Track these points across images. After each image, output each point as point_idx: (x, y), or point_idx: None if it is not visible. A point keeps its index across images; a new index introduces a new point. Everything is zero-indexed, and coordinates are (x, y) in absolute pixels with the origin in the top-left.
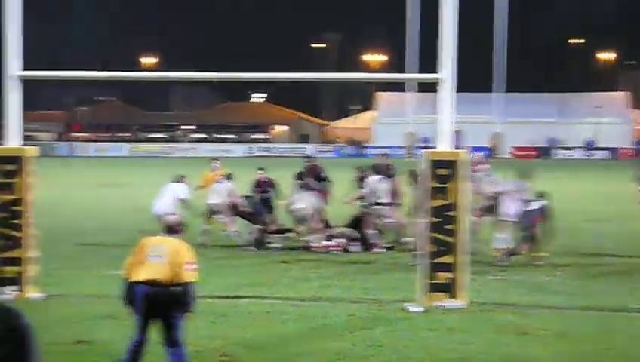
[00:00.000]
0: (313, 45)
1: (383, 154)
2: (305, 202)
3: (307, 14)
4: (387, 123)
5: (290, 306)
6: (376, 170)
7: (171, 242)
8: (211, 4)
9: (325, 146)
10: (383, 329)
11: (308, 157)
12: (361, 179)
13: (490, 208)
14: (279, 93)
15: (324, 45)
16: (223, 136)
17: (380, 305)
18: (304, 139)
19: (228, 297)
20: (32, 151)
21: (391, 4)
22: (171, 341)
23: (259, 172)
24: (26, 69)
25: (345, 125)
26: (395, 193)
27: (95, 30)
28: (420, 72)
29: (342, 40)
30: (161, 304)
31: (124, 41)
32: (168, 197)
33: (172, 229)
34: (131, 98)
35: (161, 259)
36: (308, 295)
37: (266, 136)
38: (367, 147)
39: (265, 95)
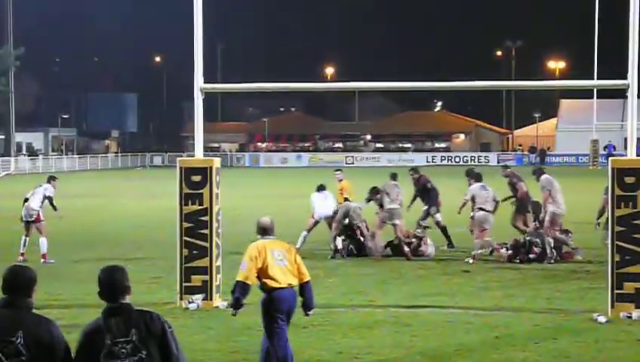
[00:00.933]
0: (495, 52)
1: (504, 166)
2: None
3: (487, 22)
4: (569, 130)
5: (473, 316)
6: (474, 177)
7: (281, 244)
8: (387, 14)
9: (507, 154)
10: (568, 339)
11: (413, 169)
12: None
13: None
14: (458, 102)
15: (502, 52)
16: (403, 145)
17: (565, 315)
18: (485, 147)
19: (411, 307)
20: (217, 162)
21: (571, 10)
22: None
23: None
24: (209, 81)
25: (527, 133)
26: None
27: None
28: (598, 78)
29: (522, 47)
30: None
31: (304, 51)
32: (329, 202)
33: (271, 231)
34: (312, 108)
35: (284, 263)
36: (490, 304)
37: (447, 145)
38: (549, 155)
39: (441, 103)
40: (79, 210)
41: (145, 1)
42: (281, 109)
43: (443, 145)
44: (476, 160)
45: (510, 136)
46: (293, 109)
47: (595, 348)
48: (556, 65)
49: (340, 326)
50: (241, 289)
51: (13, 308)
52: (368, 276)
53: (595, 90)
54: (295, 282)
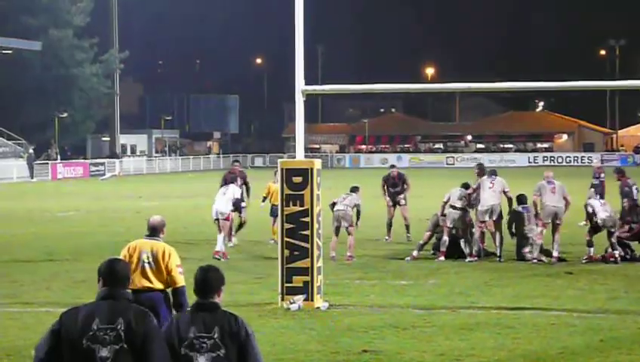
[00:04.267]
0: (598, 51)
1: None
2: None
3: (591, 21)
4: None
5: (576, 318)
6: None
7: (158, 246)
8: (488, 12)
9: (610, 155)
10: None
11: (393, 165)
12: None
13: None
14: (560, 101)
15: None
16: (504, 145)
17: None
18: (588, 147)
19: (513, 308)
20: (318, 163)
21: None
22: None
23: (390, 169)
24: (310, 83)
25: (632, 133)
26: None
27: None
28: None
29: (625, 45)
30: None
31: (404, 52)
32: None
33: (157, 231)
34: (412, 109)
35: (151, 265)
36: (594, 307)
37: (549, 145)
38: None
39: (542, 103)
40: (182, 210)
41: (246, 3)
42: (382, 110)
43: (545, 145)
44: (579, 160)
45: (614, 136)
46: (393, 110)
47: None
48: None
49: (442, 327)
50: None
51: (113, 299)
52: (469, 278)
53: None
54: (160, 286)
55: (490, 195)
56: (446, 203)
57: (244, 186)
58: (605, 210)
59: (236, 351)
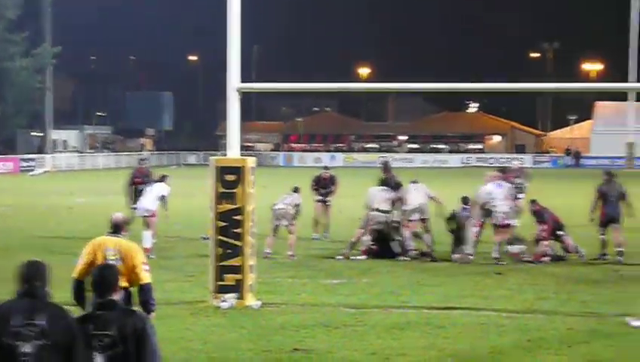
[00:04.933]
0: (531, 54)
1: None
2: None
3: (523, 24)
4: (605, 133)
5: (505, 318)
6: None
7: (123, 244)
8: (423, 13)
9: (542, 156)
10: (602, 343)
11: (326, 167)
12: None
13: None
14: (494, 103)
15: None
16: (438, 146)
17: (598, 319)
18: (520, 149)
19: (443, 308)
20: (252, 161)
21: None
22: None
23: (324, 170)
24: (244, 81)
25: (562, 135)
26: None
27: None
28: (634, 80)
29: (558, 48)
30: None
31: (339, 52)
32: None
33: (120, 228)
34: (347, 108)
35: (118, 263)
36: (523, 307)
37: (482, 146)
38: (584, 157)
39: (477, 105)
40: (115, 207)
41: (181, 0)
42: (316, 109)
43: (478, 146)
44: (511, 162)
45: (545, 138)
46: (327, 109)
47: (628, 352)
48: (592, 67)
49: (373, 327)
50: (74, 287)
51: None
52: (401, 277)
53: (632, 93)
54: (124, 284)
55: (416, 196)
56: (369, 206)
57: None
58: (506, 204)
59: (135, 348)
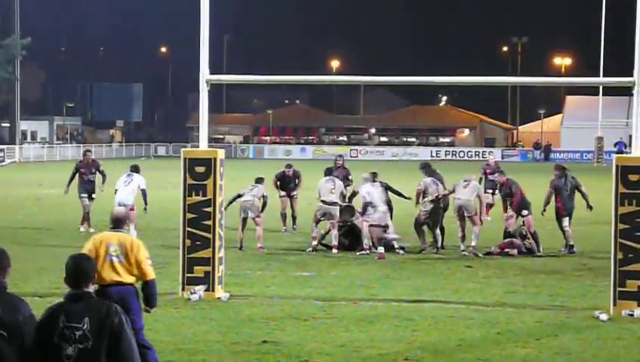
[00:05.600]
0: (500, 48)
1: None
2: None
3: (493, 17)
4: (574, 127)
5: (475, 311)
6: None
7: (124, 238)
8: (393, 7)
9: (511, 150)
10: (570, 336)
11: (288, 165)
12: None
13: None
14: (463, 97)
15: (508, 48)
16: (407, 139)
17: (567, 312)
18: (489, 142)
19: (412, 301)
20: (221, 153)
21: (578, 6)
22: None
23: (286, 168)
24: (215, 73)
25: (531, 129)
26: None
27: (282, 32)
28: (604, 75)
29: (527, 43)
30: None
31: (310, 44)
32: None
33: (121, 223)
34: (317, 101)
35: (120, 259)
36: (492, 300)
37: (451, 140)
38: (553, 151)
39: (446, 98)
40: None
41: None
42: (286, 102)
43: (447, 139)
44: (480, 155)
45: (515, 131)
46: (298, 102)
47: (596, 345)
48: (562, 61)
49: (342, 319)
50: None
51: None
52: (370, 270)
53: (600, 87)
54: (129, 279)
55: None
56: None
57: (98, 174)
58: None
59: (107, 342)
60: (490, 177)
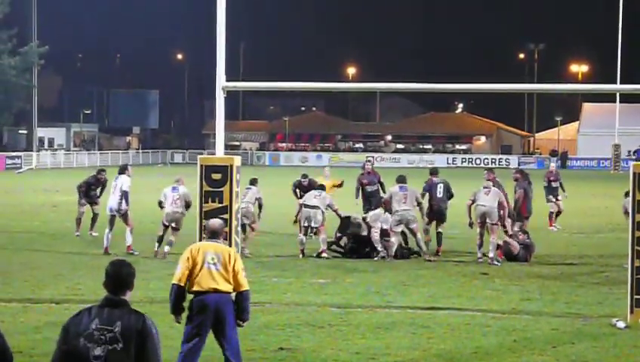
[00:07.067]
0: (517, 55)
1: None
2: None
3: (510, 24)
4: (591, 134)
5: (491, 319)
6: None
7: (221, 248)
8: (410, 14)
9: (528, 157)
10: (587, 344)
11: (304, 175)
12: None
13: None
14: (479, 104)
15: (525, 55)
16: (424, 146)
17: (584, 320)
18: (506, 150)
19: (428, 308)
20: (237, 160)
21: (595, 13)
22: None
23: (302, 178)
24: (231, 79)
25: (548, 136)
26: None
27: (298, 39)
28: (621, 82)
29: (544, 49)
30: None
31: (326, 51)
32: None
33: (218, 234)
34: (333, 108)
35: (217, 267)
36: (509, 307)
37: (467, 147)
38: (570, 158)
39: (462, 105)
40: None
41: None
42: (302, 109)
43: (464, 147)
44: (497, 162)
45: (532, 139)
46: (314, 109)
47: (613, 353)
48: (579, 68)
49: (358, 326)
50: (174, 292)
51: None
52: (386, 277)
53: (617, 94)
54: (226, 288)
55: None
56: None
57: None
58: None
59: (135, 348)
60: (554, 184)
